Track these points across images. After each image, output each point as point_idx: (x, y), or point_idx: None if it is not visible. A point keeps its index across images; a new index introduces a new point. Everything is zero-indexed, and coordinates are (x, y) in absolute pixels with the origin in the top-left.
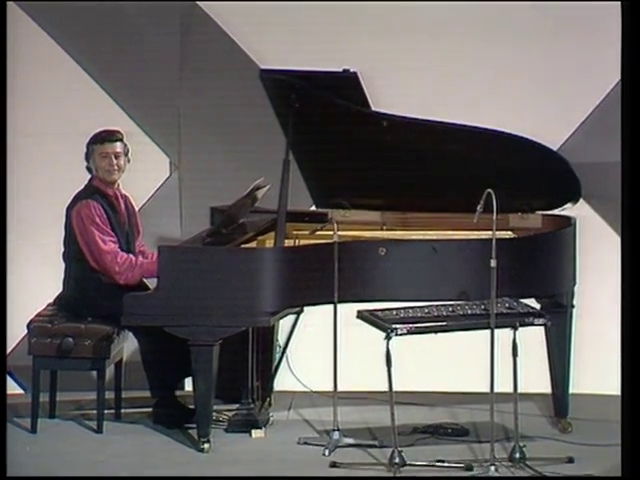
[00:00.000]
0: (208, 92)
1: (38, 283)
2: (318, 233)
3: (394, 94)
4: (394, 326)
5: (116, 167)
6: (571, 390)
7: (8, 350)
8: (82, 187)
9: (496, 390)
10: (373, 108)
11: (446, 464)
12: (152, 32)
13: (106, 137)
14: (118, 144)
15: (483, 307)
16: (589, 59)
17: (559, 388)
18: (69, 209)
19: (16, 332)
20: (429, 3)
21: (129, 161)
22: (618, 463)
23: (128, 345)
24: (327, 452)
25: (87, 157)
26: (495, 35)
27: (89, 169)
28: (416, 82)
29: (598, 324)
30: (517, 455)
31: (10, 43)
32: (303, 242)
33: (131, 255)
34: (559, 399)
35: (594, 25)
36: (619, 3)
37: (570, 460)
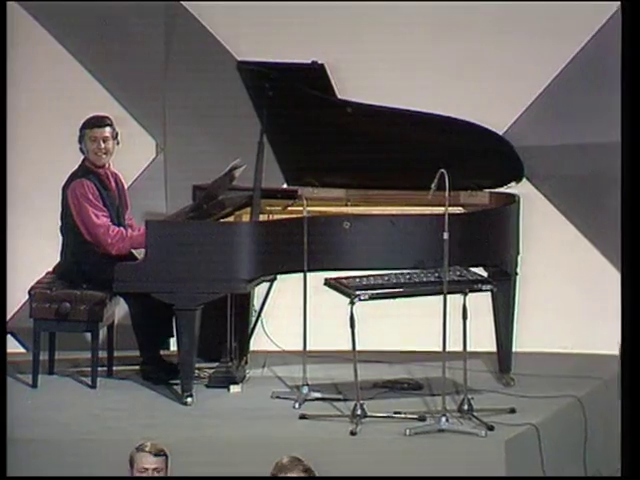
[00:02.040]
0: (190, 81)
1: (38, 253)
2: (289, 209)
3: (358, 84)
4: (357, 292)
5: (104, 150)
6: (514, 348)
7: (11, 314)
8: (76, 167)
9: (447, 349)
10: (339, 96)
11: (402, 415)
12: (139, 26)
13: (96, 123)
14: (107, 129)
15: (437, 275)
16: (532, 50)
17: (503, 347)
18: (65, 188)
19: (18, 297)
20: (392, 3)
21: (118, 144)
22: (554, 414)
23: (119, 309)
24: (297, 405)
25: (80, 140)
26: (449, 29)
27: (82, 150)
28: (378, 72)
29: (539, 289)
30: (465, 407)
31: (10, 37)
32: (276, 217)
33: (121, 228)
34: (503, 356)
35: (540, 15)
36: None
37: (512, 411)
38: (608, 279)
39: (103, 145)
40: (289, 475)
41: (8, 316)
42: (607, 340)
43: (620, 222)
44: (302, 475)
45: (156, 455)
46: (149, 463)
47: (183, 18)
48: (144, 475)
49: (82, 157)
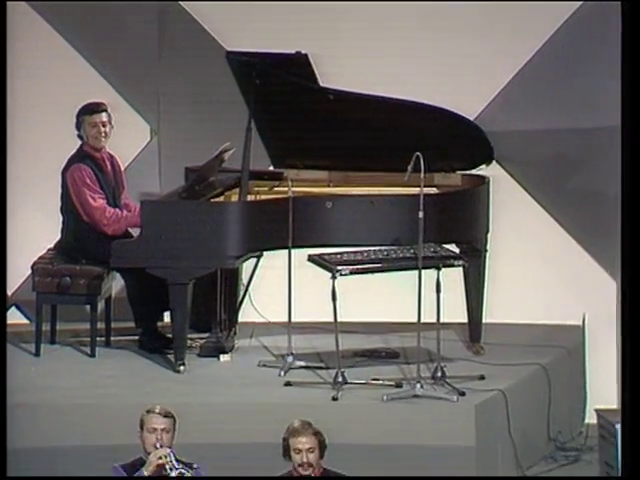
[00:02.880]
0: (183, 70)
1: (40, 231)
2: (275, 189)
3: (339, 72)
4: (338, 267)
5: (103, 134)
6: (484, 320)
7: (15, 287)
8: (74, 151)
9: (422, 320)
10: (321, 84)
11: (380, 382)
12: (134, 18)
13: (93, 109)
14: (104, 114)
15: (412, 251)
16: (501, 41)
17: (474, 318)
18: (64, 172)
19: (21, 272)
20: None
21: (113, 127)
22: (521, 380)
23: (116, 284)
24: (282, 373)
25: (77, 126)
26: (423, 21)
27: (80, 137)
28: (357, 62)
29: (507, 264)
30: (439, 374)
31: (11, 28)
32: (263, 197)
33: (117, 209)
34: (474, 327)
35: (510, 8)
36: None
37: (482, 377)
38: (571, 254)
39: (102, 129)
40: (300, 438)
41: (12, 289)
42: (570, 311)
43: (620, 214)
44: (313, 437)
45: (165, 416)
46: (158, 424)
47: (176, 11)
48: (153, 435)
49: (79, 142)
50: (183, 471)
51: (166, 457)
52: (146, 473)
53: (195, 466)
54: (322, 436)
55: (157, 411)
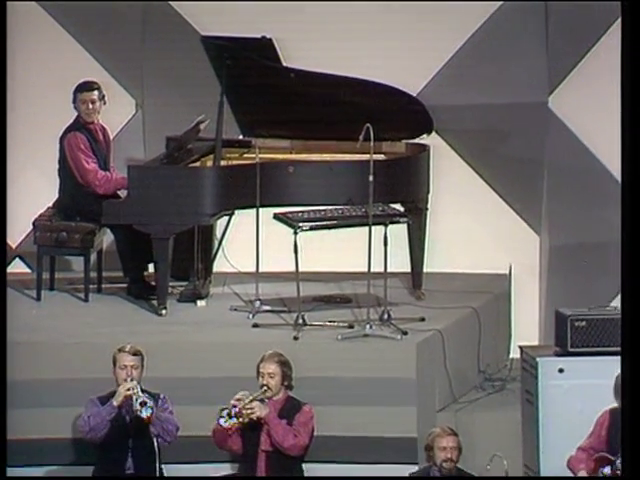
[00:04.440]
0: (163, 52)
1: (40, 192)
2: (245, 155)
3: (300, 54)
4: (300, 224)
5: (92, 110)
6: (424, 269)
7: (19, 241)
8: (71, 122)
9: (372, 270)
10: (284, 64)
11: (335, 323)
12: (121, 6)
13: (85, 87)
14: (95, 92)
15: (363, 210)
16: (443, 21)
17: (416, 268)
18: (61, 139)
19: (24, 228)
20: None
21: (105, 103)
22: (455, 321)
23: (106, 238)
24: (251, 316)
25: (73, 101)
26: (374, 7)
27: (76, 109)
28: (315, 44)
29: (445, 221)
30: (385, 316)
31: (12, 16)
32: (234, 162)
33: (107, 173)
34: (416, 276)
35: None
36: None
37: (422, 319)
38: (499, 212)
39: (91, 106)
40: (264, 364)
41: (16, 243)
42: (498, 262)
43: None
44: (276, 365)
45: (134, 354)
46: (127, 361)
47: (157, 2)
48: (124, 371)
49: (76, 114)
50: (147, 400)
51: (133, 389)
52: (115, 403)
53: (161, 396)
54: (287, 367)
55: (127, 350)
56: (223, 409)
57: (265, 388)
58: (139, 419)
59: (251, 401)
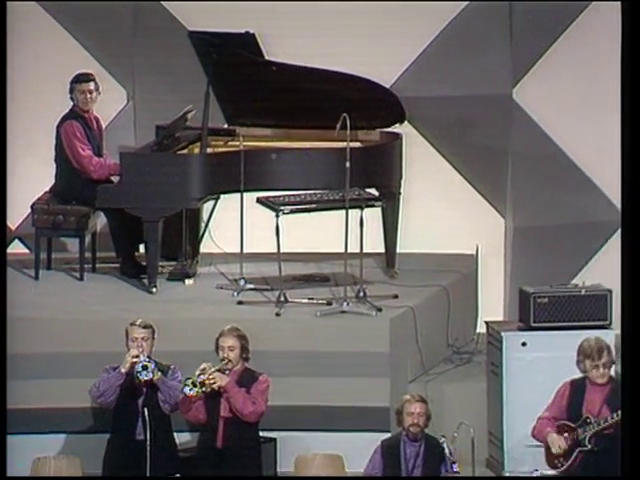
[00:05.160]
0: (153, 46)
1: (38, 177)
2: (229, 143)
3: (281, 49)
4: (281, 207)
5: (89, 100)
6: (398, 250)
7: (18, 223)
8: (67, 111)
9: (348, 250)
10: (266, 57)
11: (314, 301)
12: (114, 5)
13: (82, 78)
14: (91, 83)
15: (341, 194)
16: (414, 17)
17: (390, 248)
18: (58, 127)
19: (22, 211)
20: None
21: (99, 94)
22: (426, 298)
23: (100, 221)
24: (236, 294)
25: (70, 91)
26: (349, 6)
27: (72, 99)
28: (296, 40)
29: (416, 204)
30: (361, 294)
31: (12, 18)
32: (219, 149)
33: (101, 159)
34: (390, 256)
35: None
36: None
37: (395, 296)
38: (467, 197)
39: (89, 96)
40: (223, 338)
41: (16, 225)
42: (466, 243)
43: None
44: (235, 339)
45: (144, 328)
46: (138, 333)
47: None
48: (135, 343)
49: (71, 104)
50: (146, 363)
51: (137, 356)
52: (123, 370)
53: (172, 367)
54: (245, 340)
55: (138, 323)
56: (187, 379)
57: (226, 360)
58: (147, 386)
59: (213, 372)
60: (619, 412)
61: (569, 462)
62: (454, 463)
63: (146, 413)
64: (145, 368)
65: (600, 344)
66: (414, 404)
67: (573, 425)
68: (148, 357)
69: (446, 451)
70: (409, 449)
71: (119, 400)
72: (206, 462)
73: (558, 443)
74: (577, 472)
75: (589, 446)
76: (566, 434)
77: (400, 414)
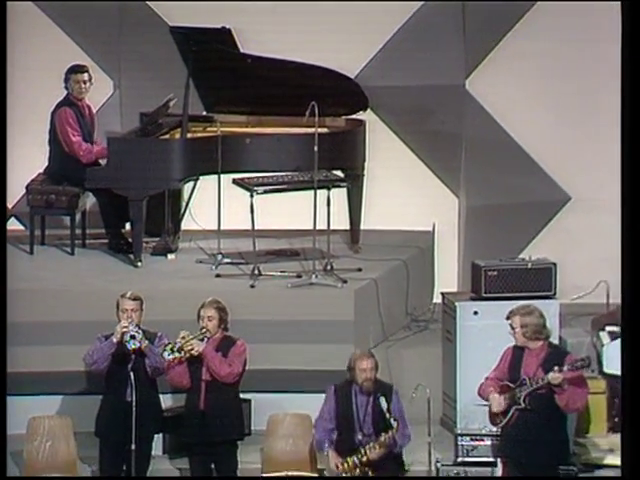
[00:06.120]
0: (138, 40)
1: (33, 160)
2: (208, 129)
3: (255, 43)
4: (255, 188)
5: (83, 89)
6: (362, 227)
7: (14, 202)
8: (61, 99)
9: (317, 227)
10: (241, 50)
11: (286, 273)
12: (101, 4)
13: (77, 69)
14: (85, 74)
15: (309, 176)
16: (378, 11)
17: (355, 225)
18: (53, 113)
19: (18, 191)
20: None
21: (92, 84)
22: (387, 271)
23: (90, 200)
24: (214, 267)
25: (65, 81)
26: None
27: (66, 88)
28: (269, 35)
29: (378, 185)
30: (328, 267)
31: (10, 17)
32: (198, 135)
33: (89, 144)
34: (354, 232)
35: None
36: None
37: (359, 269)
38: (424, 177)
39: (83, 85)
40: (203, 309)
41: (12, 204)
42: (424, 220)
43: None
44: (215, 310)
45: (134, 300)
46: (128, 305)
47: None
48: (125, 314)
49: (66, 92)
50: (134, 334)
51: (127, 327)
52: (114, 340)
53: (159, 334)
54: (224, 312)
55: (128, 296)
56: (167, 345)
57: (204, 330)
58: (136, 353)
59: (191, 339)
60: (551, 374)
61: (507, 419)
62: (394, 420)
63: (132, 377)
64: (133, 337)
65: (514, 311)
66: (365, 360)
67: (512, 385)
68: (138, 327)
69: (383, 408)
70: (360, 399)
71: (110, 366)
72: (190, 422)
73: (498, 402)
74: (514, 428)
75: (523, 405)
76: (506, 394)
77: (352, 370)
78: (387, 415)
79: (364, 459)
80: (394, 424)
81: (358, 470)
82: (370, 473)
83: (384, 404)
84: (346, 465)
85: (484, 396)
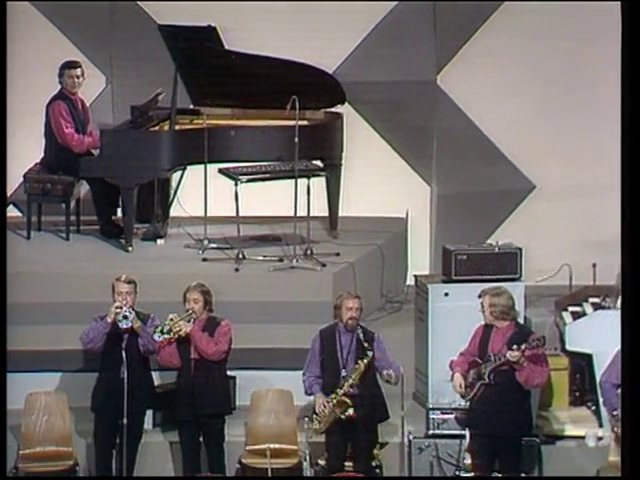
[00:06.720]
0: (128, 37)
1: (30, 150)
2: (195, 121)
3: (240, 40)
4: (240, 177)
5: (76, 83)
6: (340, 214)
7: (12, 190)
8: (56, 92)
9: (297, 214)
10: (226, 47)
11: (268, 258)
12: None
13: (71, 65)
14: (78, 69)
15: (291, 165)
16: (355, 9)
17: (333, 212)
18: (48, 106)
19: (15, 180)
20: None
21: (85, 79)
22: (364, 255)
23: (83, 188)
24: (201, 252)
25: (59, 76)
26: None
27: (61, 83)
28: (252, 33)
29: (356, 174)
30: (308, 252)
31: (10, 16)
32: (186, 127)
33: (81, 136)
34: (333, 219)
35: None
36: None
37: (337, 254)
38: (398, 166)
39: (76, 80)
40: (189, 292)
41: (10, 191)
42: (397, 207)
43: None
44: (199, 293)
45: (128, 283)
46: (123, 288)
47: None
48: (120, 297)
49: (59, 87)
50: (127, 314)
51: (120, 307)
52: (109, 320)
53: (151, 316)
54: (208, 295)
55: (122, 279)
56: (157, 327)
57: (191, 311)
58: (129, 332)
59: (179, 321)
60: (509, 352)
61: (473, 393)
62: (369, 350)
63: (124, 356)
64: (126, 317)
65: (485, 291)
66: (352, 300)
67: (480, 361)
68: (131, 308)
69: (361, 338)
70: (344, 338)
71: (105, 345)
72: (180, 398)
73: (459, 382)
74: (480, 402)
75: (487, 380)
76: (474, 369)
77: (338, 309)
78: (365, 345)
79: (345, 390)
80: (369, 353)
81: (339, 410)
82: (351, 410)
83: (362, 335)
84: (330, 404)
85: (453, 370)
